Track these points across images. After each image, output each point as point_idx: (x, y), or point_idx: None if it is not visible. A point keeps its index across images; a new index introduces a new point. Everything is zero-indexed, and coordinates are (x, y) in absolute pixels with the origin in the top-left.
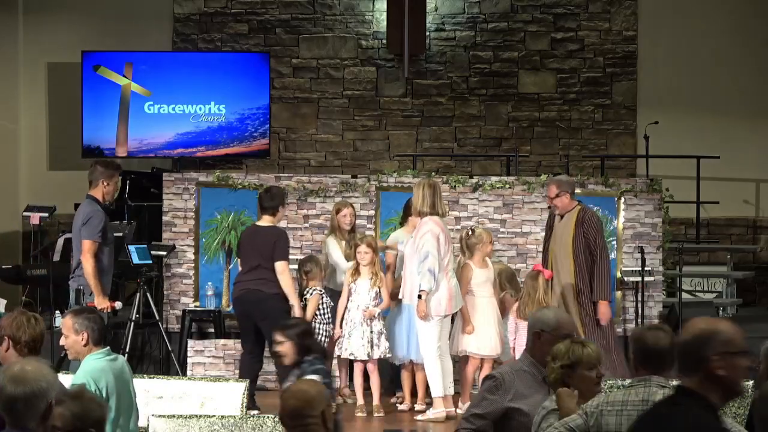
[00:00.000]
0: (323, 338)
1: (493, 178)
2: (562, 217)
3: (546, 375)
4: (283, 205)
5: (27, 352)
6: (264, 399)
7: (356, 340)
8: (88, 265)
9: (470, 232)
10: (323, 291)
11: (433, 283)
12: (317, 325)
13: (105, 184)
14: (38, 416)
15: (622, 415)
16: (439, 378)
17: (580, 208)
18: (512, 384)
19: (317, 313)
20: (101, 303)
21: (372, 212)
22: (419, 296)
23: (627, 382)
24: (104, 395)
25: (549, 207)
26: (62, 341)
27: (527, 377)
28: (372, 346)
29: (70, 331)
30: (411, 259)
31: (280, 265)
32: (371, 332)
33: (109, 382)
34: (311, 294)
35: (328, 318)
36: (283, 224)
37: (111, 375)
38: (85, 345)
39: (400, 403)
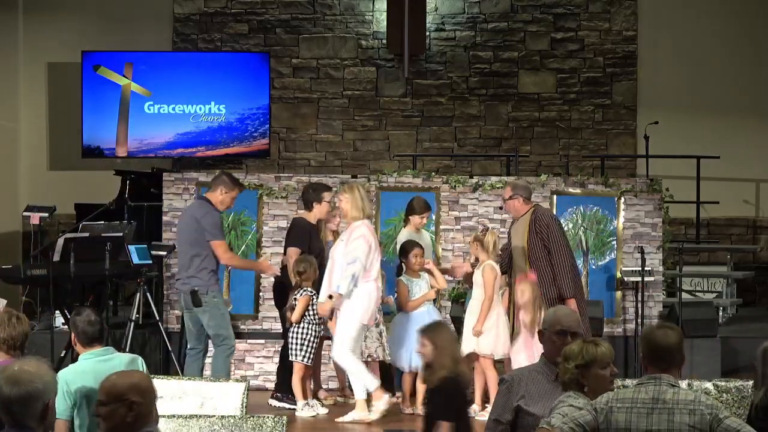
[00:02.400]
0: (313, 339)
1: (493, 178)
2: (517, 221)
3: (558, 373)
4: (318, 202)
5: (6, 350)
6: (264, 398)
7: (373, 341)
8: (234, 260)
9: (485, 231)
10: (314, 292)
11: (351, 289)
12: (306, 326)
13: (222, 192)
14: (36, 416)
15: (632, 412)
16: (362, 380)
17: (533, 210)
18: (521, 385)
19: (306, 313)
20: (267, 267)
21: (372, 212)
22: (330, 296)
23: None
24: (78, 397)
25: (500, 208)
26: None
27: (539, 378)
28: (384, 347)
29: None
30: (338, 261)
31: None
32: (381, 334)
33: (87, 383)
34: (301, 295)
35: (317, 319)
36: (283, 224)
37: (91, 376)
38: (74, 345)
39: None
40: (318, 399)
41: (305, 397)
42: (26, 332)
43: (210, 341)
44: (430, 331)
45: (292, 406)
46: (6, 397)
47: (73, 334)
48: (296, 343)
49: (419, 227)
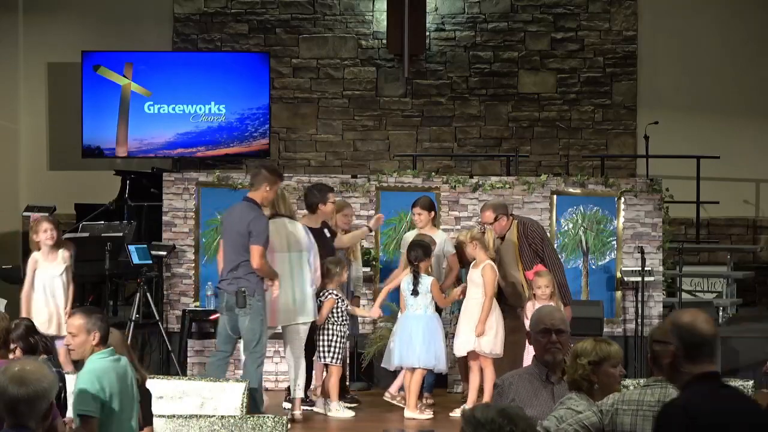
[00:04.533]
0: (340, 339)
1: (493, 178)
2: (502, 239)
3: (548, 374)
4: (324, 203)
5: None
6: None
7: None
8: (265, 267)
9: (483, 231)
10: (339, 295)
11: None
12: (331, 327)
13: (266, 189)
14: (39, 416)
15: (638, 415)
16: (304, 379)
17: (517, 222)
18: (511, 389)
19: (331, 314)
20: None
21: (372, 212)
22: None
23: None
24: (107, 395)
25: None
26: (68, 341)
27: (531, 379)
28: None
29: (80, 330)
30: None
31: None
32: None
33: (112, 382)
34: (326, 297)
35: (342, 320)
36: None
37: (114, 375)
38: (96, 345)
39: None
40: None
41: (339, 397)
42: (8, 329)
43: (241, 348)
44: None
45: (311, 408)
46: (13, 397)
47: (94, 334)
48: (324, 346)
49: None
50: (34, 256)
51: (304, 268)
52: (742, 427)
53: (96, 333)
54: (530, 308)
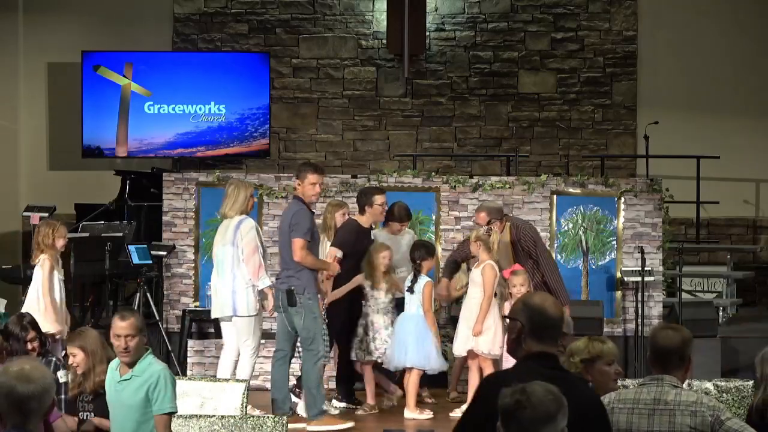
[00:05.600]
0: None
1: (493, 178)
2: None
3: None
4: (370, 205)
5: None
6: (264, 399)
7: (381, 343)
8: (307, 259)
9: (489, 232)
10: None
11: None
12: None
13: (299, 184)
14: (44, 412)
15: (634, 413)
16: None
17: (510, 225)
18: None
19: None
20: (335, 268)
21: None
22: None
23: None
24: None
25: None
26: (126, 342)
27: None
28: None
29: (137, 331)
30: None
31: None
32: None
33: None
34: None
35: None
36: None
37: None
38: (145, 345)
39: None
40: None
41: (344, 398)
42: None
43: (299, 347)
44: (76, 339)
45: (350, 406)
46: (23, 395)
47: (143, 334)
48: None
49: (395, 233)
50: (51, 260)
51: (233, 263)
52: None
53: (145, 333)
54: (507, 308)
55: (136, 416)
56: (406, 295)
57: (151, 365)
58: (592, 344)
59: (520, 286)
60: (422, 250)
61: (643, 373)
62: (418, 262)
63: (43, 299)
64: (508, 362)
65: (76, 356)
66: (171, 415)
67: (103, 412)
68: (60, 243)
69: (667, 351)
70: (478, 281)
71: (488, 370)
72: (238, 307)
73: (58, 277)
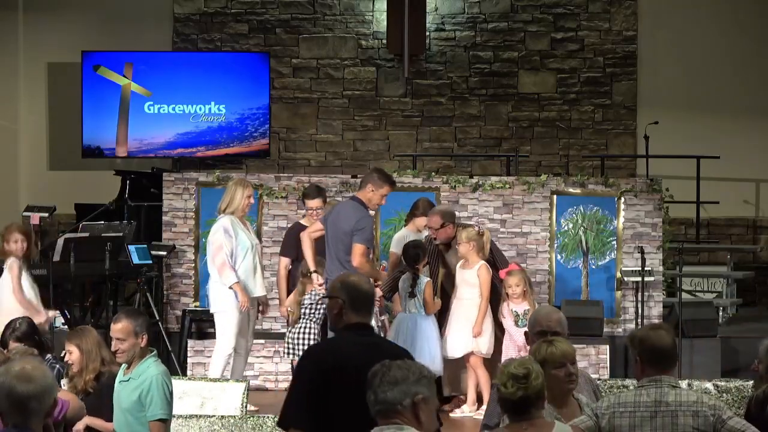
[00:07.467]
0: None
1: (493, 178)
2: (448, 246)
3: None
4: (415, 215)
5: None
6: (264, 399)
7: None
8: (366, 266)
9: (482, 233)
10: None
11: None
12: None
13: (370, 190)
14: (45, 413)
15: (635, 416)
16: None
17: (460, 229)
18: None
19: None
20: (382, 278)
21: (372, 212)
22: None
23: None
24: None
25: (434, 238)
26: (117, 346)
27: None
28: None
29: (129, 334)
30: None
31: None
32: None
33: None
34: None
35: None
36: (283, 224)
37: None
38: (145, 347)
39: None
40: None
41: None
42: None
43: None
44: (74, 337)
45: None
46: (22, 394)
47: (142, 336)
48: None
49: (421, 229)
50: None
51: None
52: (351, 366)
53: (144, 335)
54: (505, 308)
55: (131, 418)
56: (406, 298)
57: (149, 369)
58: (539, 348)
59: (515, 286)
60: (417, 251)
61: (639, 377)
62: (415, 264)
63: (14, 297)
64: (507, 355)
65: (72, 354)
66: (164, 422)
67: (94, 410)
68: (13, 247)
69: (664, 351)
70: (473, 282)
71: (480, 370)
72: (210, 302)
73: (27, 277)
